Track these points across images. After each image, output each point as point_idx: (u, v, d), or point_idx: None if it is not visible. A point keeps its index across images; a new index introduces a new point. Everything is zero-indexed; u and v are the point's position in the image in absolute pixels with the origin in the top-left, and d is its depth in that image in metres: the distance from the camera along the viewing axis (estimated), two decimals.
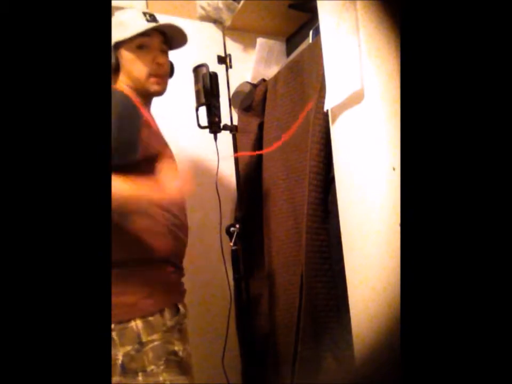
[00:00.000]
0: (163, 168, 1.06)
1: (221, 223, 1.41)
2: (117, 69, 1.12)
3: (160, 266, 1.05)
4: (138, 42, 1.12)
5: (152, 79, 1.13)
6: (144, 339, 0.96)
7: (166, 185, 1.03)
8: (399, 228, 0.74)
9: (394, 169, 0.79)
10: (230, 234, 1.35)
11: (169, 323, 1.00)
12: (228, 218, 1.54)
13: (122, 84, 1.13)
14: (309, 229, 1.20)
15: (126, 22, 1.12)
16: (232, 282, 1.40)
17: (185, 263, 1.19)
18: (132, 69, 1.12)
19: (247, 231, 1.40)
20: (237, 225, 1.35)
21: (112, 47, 1.09)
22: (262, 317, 1.51)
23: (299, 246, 1.30)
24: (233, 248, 1.34)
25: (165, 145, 1.16)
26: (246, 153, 1.55)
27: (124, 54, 1.11)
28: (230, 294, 1.43)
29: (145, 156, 1.02)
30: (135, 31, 1.10)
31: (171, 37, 1.19)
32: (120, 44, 1.11)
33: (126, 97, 1.05)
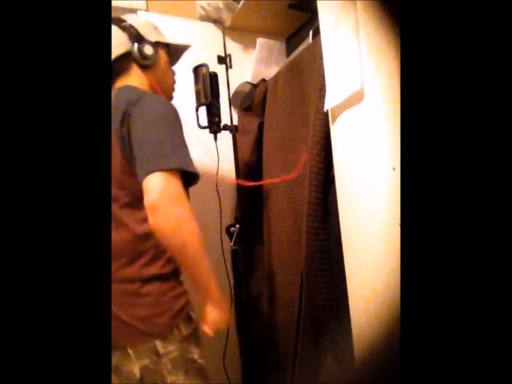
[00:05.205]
0: None
1: (221, 223, 1.41)
2: (151, 65, 1.08)
3: (169, 279, 0.98)
4: (167, 53, 1.15)
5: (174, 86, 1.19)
6: (161, 351, 0.93)
7: None
8: (399, 228, 0.74)
9: (394, 169, 0.79)
10: (230, 234, 1.35)
11: (185, 332, 0.96)
12: (228, 218, 1.54)
13: (153, 84, 1.09)
14: (309, 229, 1.20)
15: (160, 28, 1.15)
16: (232, 282, 1.40)
17: None
18: (167, 72, 1.14)
19: (247, 231, 1.40)
20: (237, 225, 1.35)
21: (153, 43, 1.08)
22: (262, 317, 1.51)
23: (299, 246, 1.30)
24: (233, 248, 1.34)
25: None
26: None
27: (163, 55, 1.12)
28: (231, 294, 1.43)
29: None
30: (178, 41, 1.16)
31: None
32: (160, 44, 1.11)
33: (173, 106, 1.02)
